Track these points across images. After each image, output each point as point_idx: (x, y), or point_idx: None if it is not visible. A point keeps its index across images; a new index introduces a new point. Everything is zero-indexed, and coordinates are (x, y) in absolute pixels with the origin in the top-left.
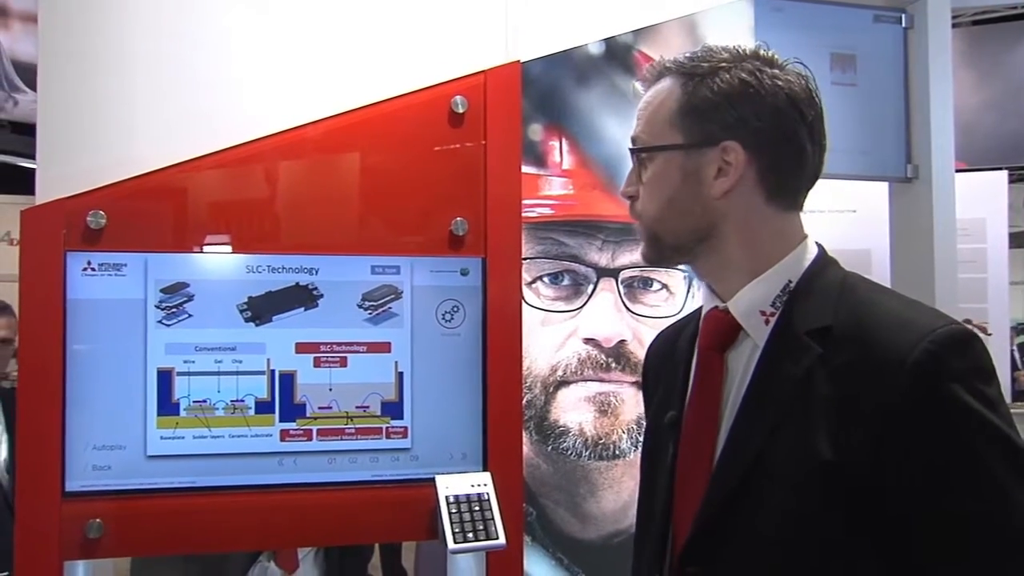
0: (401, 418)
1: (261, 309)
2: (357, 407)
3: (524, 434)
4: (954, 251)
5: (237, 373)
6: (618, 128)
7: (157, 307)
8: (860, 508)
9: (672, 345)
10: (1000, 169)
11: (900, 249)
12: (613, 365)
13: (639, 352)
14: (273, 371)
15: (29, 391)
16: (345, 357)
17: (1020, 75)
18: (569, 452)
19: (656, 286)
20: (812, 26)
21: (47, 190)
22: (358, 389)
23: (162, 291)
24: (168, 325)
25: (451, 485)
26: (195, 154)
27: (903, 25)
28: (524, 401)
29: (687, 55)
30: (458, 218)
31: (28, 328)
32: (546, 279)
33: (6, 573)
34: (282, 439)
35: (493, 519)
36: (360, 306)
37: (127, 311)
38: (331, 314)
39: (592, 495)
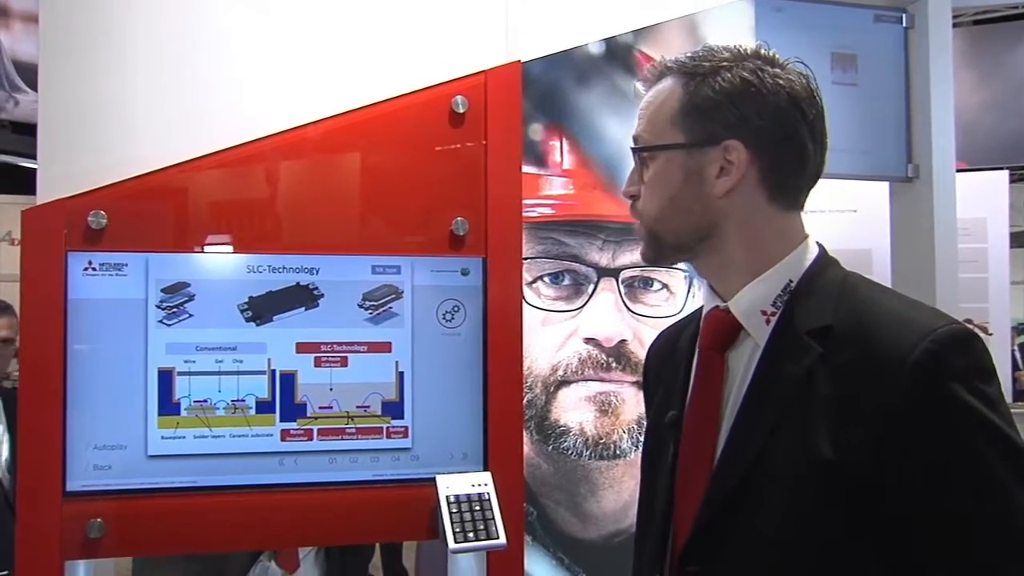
0: (402, 418)
1: (262, 309)
2: (358, 407)
3: (525, 434)
4: (955, 251)
5: (238, 373)
6: (618, 128)
7: (158, 307)
8: (860, 508)
9: (673, 345)
10: (1001, 169)
11: (901, 249)
12: (614, 365)
13: (640, 352)
14: (274, 371)
15: (30, 391)
16: (346, 357)
17: (1021, 75)
18: (570, 452)
19: (657, 286)
20: (813, 26)
21: (48, 190)
22: (359, 389)
23: (163, 291)
24: (169, 325)
25: (452, 485)
26: (196, 154)
27: (904, 25)
28: (525, 401)
29: (688, 55)
30: (459, 218)
31: (29, 328)
32: (547, 279)
33: (6, 572)
34: (283, 439)
35: (494, 519)
36: (361, 306)
37: (128, 311)
38: (332, 314)
39: (593, 495)
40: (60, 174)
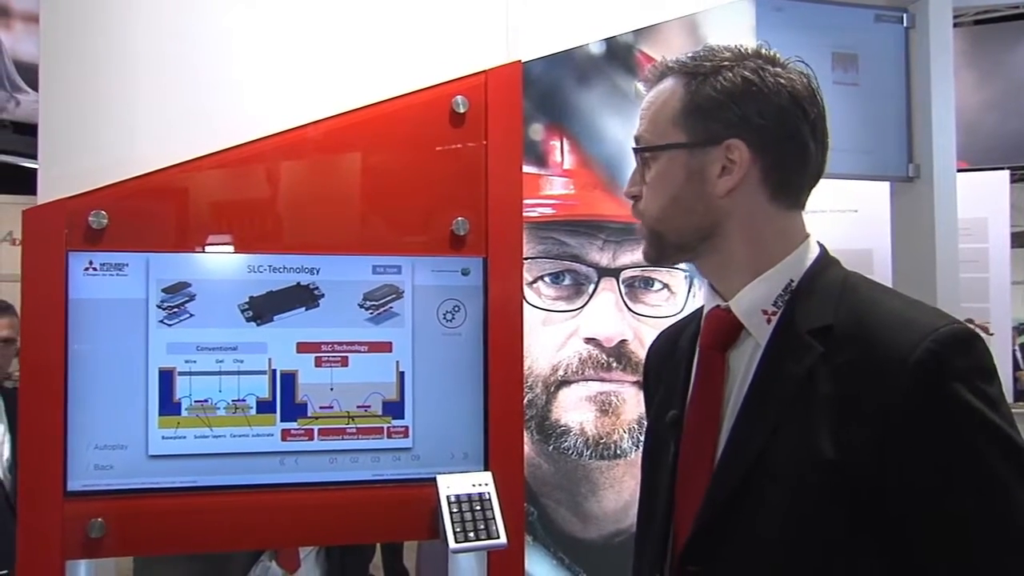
0: (402, 418)
1: (262, 309)
2: (358, 407)
3: (525, 434)
4: (956, 251)
5: (238, 373)
6: (619, 128)
7: (159, 307)
8: (862, 507)
9: (673, 344)
10: (1002, 169)
11: (901, 249)
12: (614, 365)
13: (640, 352)
14: (274, 371)
15: (31, 391)
16: (346, 357)
17: (1022, 75)
18: (570, 452)
19: (657, 286)
20: (813, 26)
21: (49, 190)
22: (359, 389)
23: (164, 291)
24: (169, 325)
25: (452, 485)
26: (196, 154)
27: (904, 25)
28: (525, 401)
29: (689, 55)
30: (459, 218)
31: (30, 328)
32: (547, 279)
33: (7, 572)
34: (283, 439)
35: (494, 518)
36: (361, 306)
37: (129, 311)
38: (332, 314)
39: (593, 495)
40: (61, 174)
